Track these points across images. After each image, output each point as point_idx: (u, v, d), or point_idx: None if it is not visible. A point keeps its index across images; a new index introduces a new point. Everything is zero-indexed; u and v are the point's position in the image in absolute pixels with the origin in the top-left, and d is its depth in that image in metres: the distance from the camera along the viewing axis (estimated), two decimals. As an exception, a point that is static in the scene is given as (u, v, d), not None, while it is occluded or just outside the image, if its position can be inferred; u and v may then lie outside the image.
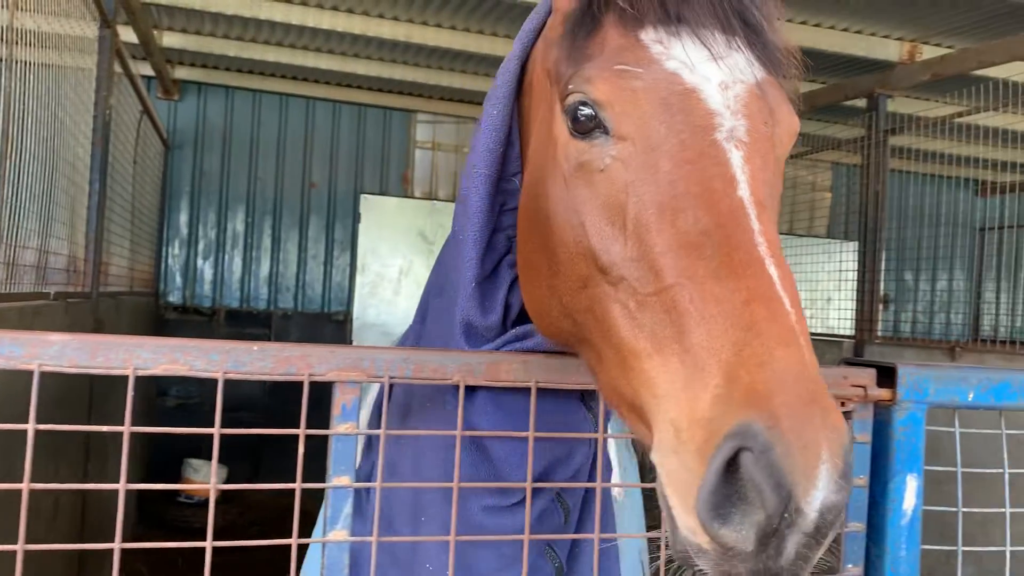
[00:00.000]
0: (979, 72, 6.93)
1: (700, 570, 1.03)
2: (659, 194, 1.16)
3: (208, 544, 1.16)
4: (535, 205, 1.38)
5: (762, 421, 0.95)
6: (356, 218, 10.35)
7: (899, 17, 7.09)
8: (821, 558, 1.01)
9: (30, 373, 1.11)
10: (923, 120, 7.54)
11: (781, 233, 1.22)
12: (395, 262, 10.36)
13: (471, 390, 1.49)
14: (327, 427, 1.25)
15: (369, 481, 1.63)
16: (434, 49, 8.25)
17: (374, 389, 1.93)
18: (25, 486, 1.08)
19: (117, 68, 6.02)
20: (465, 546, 1.52)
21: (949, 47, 7.59)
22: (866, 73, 7.86)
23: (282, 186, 10.27)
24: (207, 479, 8.48)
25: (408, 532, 1.61)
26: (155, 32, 8.13)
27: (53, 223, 4.64)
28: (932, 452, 1.50)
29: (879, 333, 8.21)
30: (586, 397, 1.59)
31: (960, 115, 7.44)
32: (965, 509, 1.54)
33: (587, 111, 1.24)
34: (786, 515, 0.94)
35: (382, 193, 10.50)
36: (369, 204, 10.35)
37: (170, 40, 8.49)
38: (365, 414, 2.19)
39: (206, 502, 7.69)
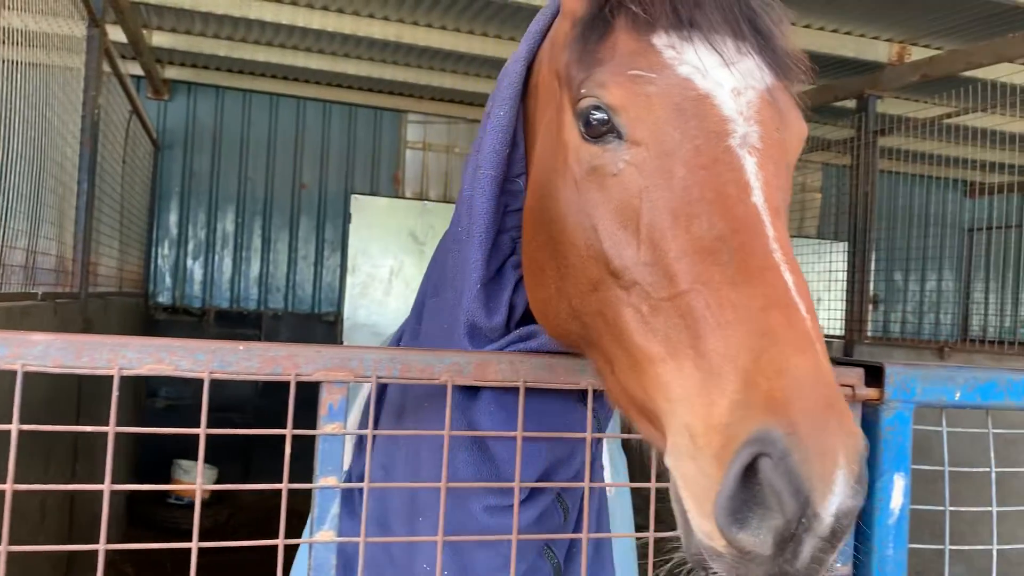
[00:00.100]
0: (967, 73, 6.98)
1: (714, 572, 1.04)
2: (674, 199, 1.16)
3: (194, 545, 1.15)
4: (542, 207, 1.38)
5: (781, 428, 0.96)
6: (346, 218, 10.34)
7: (888, 18, 7.12)
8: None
9: (14, 373, 1.10)
10: (912, 121, 7.59)
11: (771, 234, 1.22)
12: (386, 262, 10.36)
13: (475, 390, 1.48)
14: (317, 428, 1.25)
15: (362, 481, 1.63)
16: (425, 49, 8.24)
17: (366, 388, 1.93)
18: (9, 487, 1.07)
19: (106, 68, 5.99)
20: (466, 546, 1.51)
21: (938, 48, 7.64)
22: (856, 74, 7.90)
23: (272, 186, 10.24)
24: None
25: (405, 533, 1.60)
26: (144, 31, 8.10)
27: (41, 223, 4.62)
28: (922, 452, 1.50)
29: (869, 333, 8.25)
30: (585, 398, 1.59)
31: (949, 116, 7.49)
32: (952, 508, 1.54)
33: (600, 115, 1.24)
34: (803, 520, 0.95)
35: (372, 193, 10.49)
36: (359, 204, 10.34)
37: (160, 39, 8.46)
38: (356, 414, 2.18)
39: (196, 503, 7.65)
